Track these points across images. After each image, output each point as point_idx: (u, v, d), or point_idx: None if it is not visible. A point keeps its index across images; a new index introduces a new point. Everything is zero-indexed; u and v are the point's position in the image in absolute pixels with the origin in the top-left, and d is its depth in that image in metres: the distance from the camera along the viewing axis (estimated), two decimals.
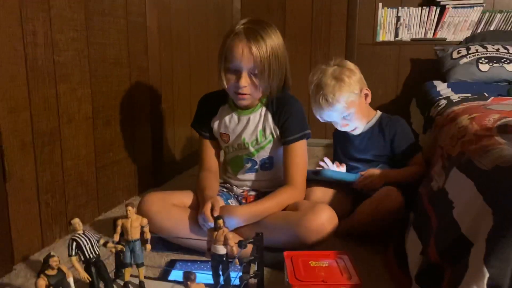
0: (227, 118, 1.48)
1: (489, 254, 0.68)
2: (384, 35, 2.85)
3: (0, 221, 1.18)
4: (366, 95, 1.58)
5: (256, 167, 1.49)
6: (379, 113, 1.64)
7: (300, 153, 1.43)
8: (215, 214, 1.22)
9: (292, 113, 1.42)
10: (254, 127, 1.45)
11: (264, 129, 1.45)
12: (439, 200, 1.05)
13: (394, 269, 1.13)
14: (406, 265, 1.03)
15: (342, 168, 1.61)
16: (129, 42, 1.75)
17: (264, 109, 1.45)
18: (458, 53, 2.45)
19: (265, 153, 1.47)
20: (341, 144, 1.69)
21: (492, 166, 0.86)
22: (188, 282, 0.72)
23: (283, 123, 1.42)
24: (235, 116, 1.48)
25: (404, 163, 1.54)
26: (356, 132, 1.60)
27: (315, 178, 1.52)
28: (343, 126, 1.59)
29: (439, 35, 2.76)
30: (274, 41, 1.34)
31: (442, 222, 0.94)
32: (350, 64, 1.58)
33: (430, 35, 2.78)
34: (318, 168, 1.55)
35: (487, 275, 0.67)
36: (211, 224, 1.20)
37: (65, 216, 1.43)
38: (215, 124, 1.50)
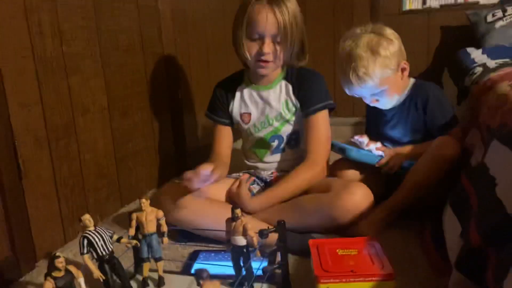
0: (246, 97, 1.45)
1: None
2: (411, 3, 2.67)
3: (19, 219, 1.16)
4: (404, 69, 1.39)
5: (283, 145, 1.45)
6: (412, 80, 1.46)
7: (322, 125, 1.37)
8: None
9: (312, 84, 1.38)
10: (276, 101, 1.42)
11: (286, 102, 1.41)
12: (478, 176, 0.95)
13: (432, 255, 1.04)
14: (446, 249, 0.95)
15: (374, 146, 1.44)
16: (142, 27, 1.69)
17: (284, 82, 1.42)
18: (493, 16, 2.27)
19: (290, 127, 1.43)
20: (373, 121, 1.56)
21: None
22: (201, 281, 0.66)
23: (304, 95, 1.38)
24: (254, 93, 1.44)
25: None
26: (387, 107, 1.46)
27: (340, 154, 1.43)
28: (372, 102, 1.45)
29: None
30: (293, 4, 1.33)
31: (484, 202, 0.84)
32: (389, 32, 1.39)
33: None
34: (343, 145, 1.42)
35: None
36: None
37: (86, 210, 1.40)
38: (235, 107, 1.46)
